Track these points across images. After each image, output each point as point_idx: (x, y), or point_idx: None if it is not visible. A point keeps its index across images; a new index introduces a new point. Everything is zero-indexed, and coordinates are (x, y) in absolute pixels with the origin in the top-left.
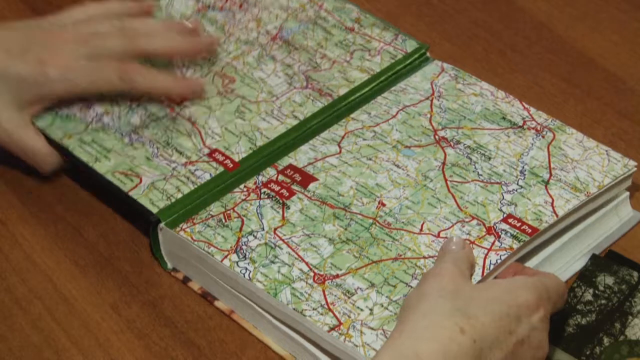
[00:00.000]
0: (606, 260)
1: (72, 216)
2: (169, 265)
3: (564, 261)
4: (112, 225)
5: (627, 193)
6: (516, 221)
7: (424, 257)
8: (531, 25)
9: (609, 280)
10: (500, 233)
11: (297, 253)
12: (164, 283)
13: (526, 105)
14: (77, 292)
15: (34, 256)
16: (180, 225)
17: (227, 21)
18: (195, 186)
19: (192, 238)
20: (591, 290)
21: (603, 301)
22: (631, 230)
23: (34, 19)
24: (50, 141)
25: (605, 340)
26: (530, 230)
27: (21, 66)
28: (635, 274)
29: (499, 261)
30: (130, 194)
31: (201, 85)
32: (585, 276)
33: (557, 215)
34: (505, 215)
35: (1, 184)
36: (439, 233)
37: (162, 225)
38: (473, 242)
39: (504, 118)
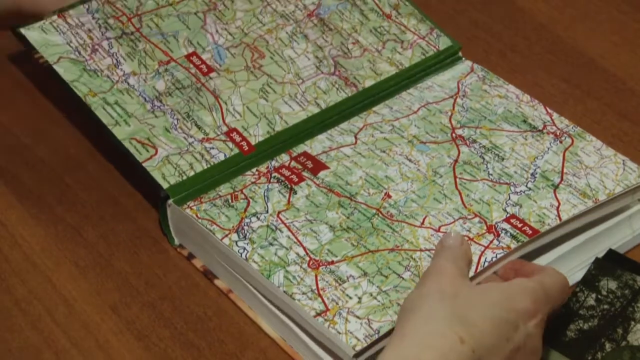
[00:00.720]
0: (609, 264)
1: (72, 217)
2: (176, 241)
3: (570, 267)
4: (112, 226)
5: None
6: (518, 222)
7: (421, 250)
8: (531, 26)
9: (612, 285)
10: (500, 232)
11: (296, 237)
12: (164, 284)
13: (549, 111)
14: (77, 293)
15: (33, 257)
16: (188, 203)
17: None
18: (209, 165)
19: (197, 216)
20: (594, 295)
21: (606, 306)
22: None
23: None
24: (74, 96)
25: (607, 346)
26: (530, 232)
27: None
28: (638, 278)
29: (494, 259)
30: (145, 164)
31: None
32: (588, 280)
33: (560, 219)
34: (508, 215)
35: (1, 184)
36: (439, 228)
37: (170, 201)
38: (471, 239)
39: (524, 121)
